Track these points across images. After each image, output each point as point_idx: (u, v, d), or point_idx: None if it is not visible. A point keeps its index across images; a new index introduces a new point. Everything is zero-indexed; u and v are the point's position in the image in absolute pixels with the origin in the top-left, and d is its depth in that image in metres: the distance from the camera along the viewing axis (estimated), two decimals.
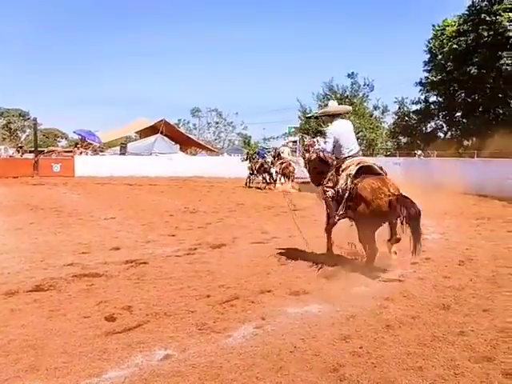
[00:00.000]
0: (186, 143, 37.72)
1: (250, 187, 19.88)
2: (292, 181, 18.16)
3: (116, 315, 4.14)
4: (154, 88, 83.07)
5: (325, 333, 3.81)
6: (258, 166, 20.17)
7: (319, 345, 3.58)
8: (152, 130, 34.38)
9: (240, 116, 53.48)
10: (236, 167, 23.59)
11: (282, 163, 18.68)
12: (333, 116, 6.23)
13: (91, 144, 32.03)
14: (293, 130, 40.32)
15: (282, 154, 19.37)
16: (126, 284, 5.14)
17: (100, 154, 31.60)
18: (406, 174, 19.66)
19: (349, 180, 5.65)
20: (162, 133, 33.56)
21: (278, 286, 5.07)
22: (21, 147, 33.78)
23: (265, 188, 19.33)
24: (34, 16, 78.44)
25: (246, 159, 21.27)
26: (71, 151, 32.44)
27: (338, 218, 5.80)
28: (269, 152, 21.64)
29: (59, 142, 55.70)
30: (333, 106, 6.61)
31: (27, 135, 51.43)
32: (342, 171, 5.78)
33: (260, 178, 20.37)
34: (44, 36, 77.15)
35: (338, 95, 36.16)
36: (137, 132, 38.35)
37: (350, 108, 7.38)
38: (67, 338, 3.64)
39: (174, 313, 4.23)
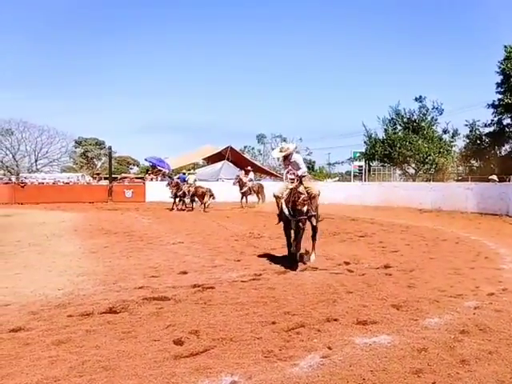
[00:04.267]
0: None
1: (180, 209, 21.66)
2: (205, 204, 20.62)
3: (184, 339, 4.21)
4: (221, 115, 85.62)
5: (395, 366, 3.66)
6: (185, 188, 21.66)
7: (389, 378, 3.45)
8: (218, 157, 35.37)
9: (304, 141, 53.56)
10: None
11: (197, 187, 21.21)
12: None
13: (161, 171, 33.37)
14: (358, 154, 39.92)
15: (188, 181, 21.73)
16: (194, 308, 5.23)
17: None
18: (478, 200, 18.87)
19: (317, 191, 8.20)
20: (228, 159, 34.42)
21: (345, 315, 4.96)
22: (98, 174, 35.75)
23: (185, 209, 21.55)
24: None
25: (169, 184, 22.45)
26: (142, 178, 33.96)
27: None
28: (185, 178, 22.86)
29: (131, 168, 58.51)
30: (289, 144, 8.49)
31: (103, 163, 54.44)
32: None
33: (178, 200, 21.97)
34: (115, 71, 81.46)
35: (405, 119, 35.53)
36: (204, 158, 39.57)
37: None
38: (138, 361, 3.74)
39: (240, 339, 4.24)
